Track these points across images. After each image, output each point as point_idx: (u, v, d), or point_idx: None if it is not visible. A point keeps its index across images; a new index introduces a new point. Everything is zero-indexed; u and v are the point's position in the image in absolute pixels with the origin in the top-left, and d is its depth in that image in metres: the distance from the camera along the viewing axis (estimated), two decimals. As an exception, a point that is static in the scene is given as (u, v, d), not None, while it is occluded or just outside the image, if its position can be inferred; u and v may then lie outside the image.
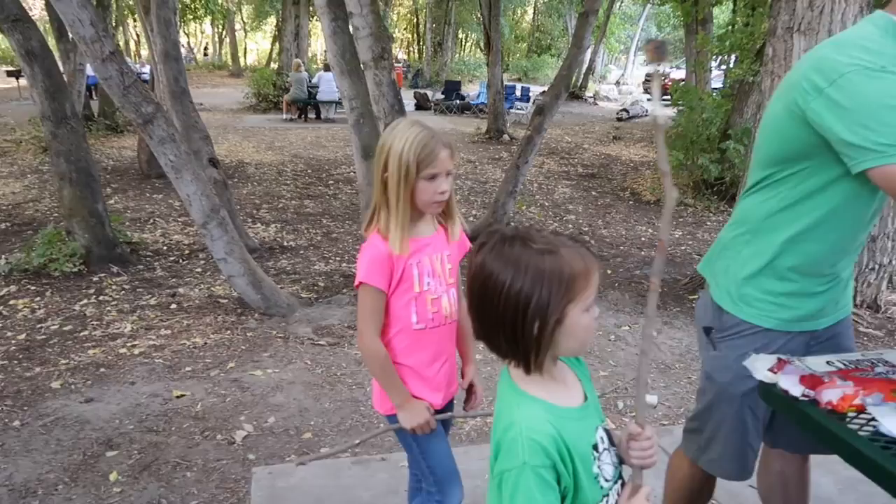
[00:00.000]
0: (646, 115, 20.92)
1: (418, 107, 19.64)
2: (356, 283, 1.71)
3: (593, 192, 9.90)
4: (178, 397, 3.42)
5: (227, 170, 10.42)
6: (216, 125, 14.92)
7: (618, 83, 35.63)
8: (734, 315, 1.68)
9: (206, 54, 41.85)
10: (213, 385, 3.55)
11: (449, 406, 1.90)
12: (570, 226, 7.81)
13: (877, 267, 4.82)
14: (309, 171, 10.60)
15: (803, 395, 1.48)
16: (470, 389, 1.96)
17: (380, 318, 1.72)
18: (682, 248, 7.05)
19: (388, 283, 1.69)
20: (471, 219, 7.57)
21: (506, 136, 14.41)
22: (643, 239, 7.35)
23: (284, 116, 16.61)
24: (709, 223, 8.31)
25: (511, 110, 17.50)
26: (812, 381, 1.50)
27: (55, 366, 3.77)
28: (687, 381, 3.80)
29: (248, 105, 18.82)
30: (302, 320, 4.42)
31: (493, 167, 11.41)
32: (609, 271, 5.89)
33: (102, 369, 3.73)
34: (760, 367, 1.61)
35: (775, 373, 1.56)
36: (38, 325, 4.33)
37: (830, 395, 1.43)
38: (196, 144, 5.97)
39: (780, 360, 1.60)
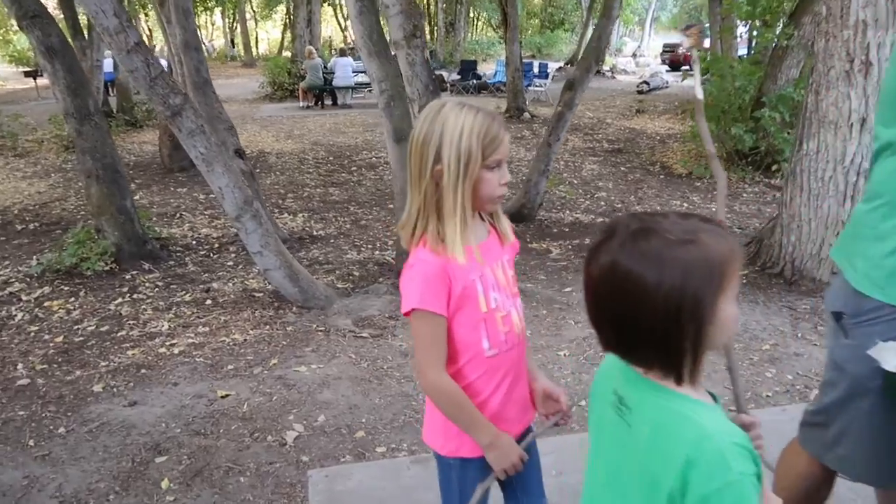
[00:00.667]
0: (667, 87, 20.49)
1: (435, 88, 19.36)
2: (406, 309, 1.43)
3: (622, 168, 9.67)
4: (222, 397, 3.32)
5: (249, 160, 10.30)
6: (233, 116, 14.56)
7: (634, 55, 34.99)
8: (874, 298, 1.51)
9: (213, 46, 41.72)
10: (258, 383, 3.44)
11: (527, 429, 1.68)
12: (603, 203, 7.61)
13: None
14: (331, 158, 10.46)
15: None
16: (548, 398, 1.69)
17: (443, 348, 1.47)
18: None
19: (447, 305, 1.44)
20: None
21: (526, 115, 14.16)
22: (679, 214, 7.12)
23: (301, 104, 16.46)
24: (745, 195, 8.07)
25: (529, 87, 17.20)
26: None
27: (95, 368, 3.68)
28: (749, 363, 3.62)
29: (263, 94, 18.71)
30: (341, 312, 4.30)
31: (517, 146, 11.18)
32: (650, 249, 5.69)
33: (143, 370, 3.64)
34: (890, 356, 1.45)
35: (912, 363, 1.39)
36: (75, 327, 4.25)
37: None
38: (221, 135, 5.84)
39: (915, 347, 1.43)
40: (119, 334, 4.12)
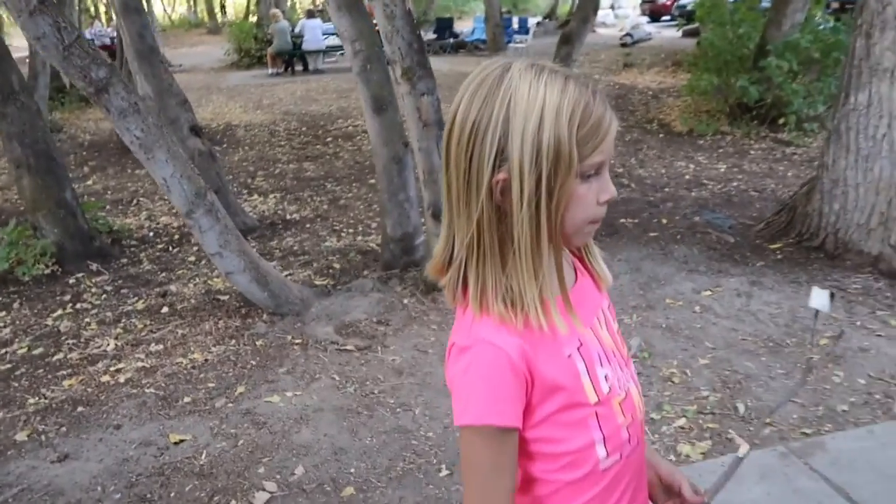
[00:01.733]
0: (650, 39, 19.71)
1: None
2: (462, 422, 0.88)
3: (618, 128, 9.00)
4: (175, 444, 2.68)
5: (215, 135, 9.54)
6: (198, 86, 13.89)
7: (612, 7, 33.94)
8: None
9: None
10: (220, 421, 2.80)
11: None
12: (603, 168, 6.96)
13: None
14: (303, 128, 9.68)
15: None
16: (669, 489, 1.12)
17: (512, 474, 0.90)
18: (734, 184, 6.22)
19: (525, 407, 0.89)
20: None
21: (510, 73, 13.36)
22: (687, 177, 6.52)
23: (270, 71, 15.50)
24: (752, 152, 7.46)
25: (510, 44, 16.36)
26: None
27: (22, 407, 3.02)
28: (808, 362, 3.04)
29: (229, 62, 17.68)
30: (321, 317, 3.65)
31: (503, 108, 10.45)
32: (664, 220, 5.08)
33: (80, 408, 2.98)
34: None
35: None
36: (3, 350, 3.57)
37: None
38: (173, 111, 5.09)
39: None
40: (55, 358, 3.45)
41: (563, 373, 0.91)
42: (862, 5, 3.82)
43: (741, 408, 2.72)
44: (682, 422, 2.65)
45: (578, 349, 0.94)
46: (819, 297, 3.08)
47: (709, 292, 3.82)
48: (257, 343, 3.42)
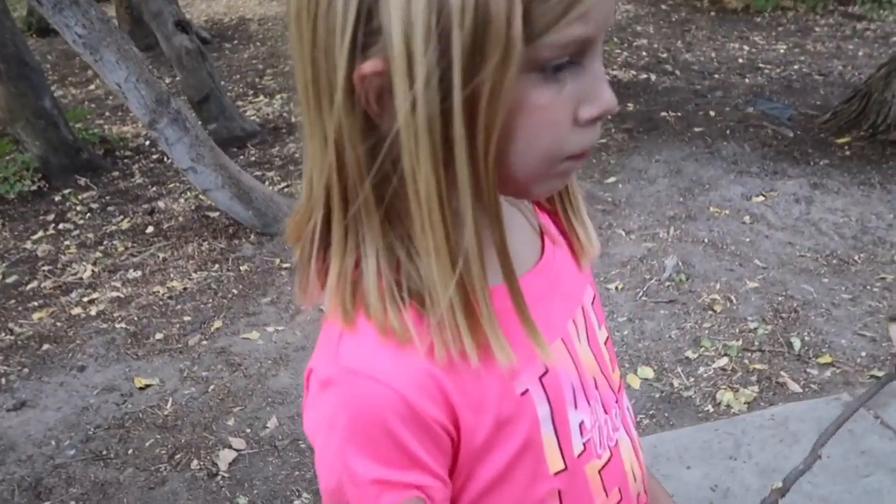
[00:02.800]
0: None
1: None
2: (321, 486, 0.50)
3: (662, 6, 8.07)
4: (141, 389, 2.38)
5: (227, 31, 8.96)
6: (212, -22, 13.10)
7: None
8: None
9: None
10: (192, 363, 2.49)
11: None
12: (645, 54, 6.22)
13: None
14: None
15: None
16: None
17: None
18: (795, 67, 5.46)
19: (440, 472, 0.49)
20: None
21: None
22: (741, 60, 5.76)
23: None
24: (817, 29, 6.58)
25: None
26: None
27: (-13, 344, 2.77)
28: (882, 286, 2.54)
29: (246, -50, 16.63)
30: (314, 236, 3.26)
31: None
32: (712, 113, 4.45)
33: (46, 345, 2.71)
34: None
35: None
36: (-23, 278, 3.31)
37: None
38: (155, 4, 4.57)
39: None
40: (29, 287, 3.17)
41: (513, 423, 0.51)
42: None
43: (796, 343, 2.26)
44: (723, 361, 2.22)
45: (541, 378, 0.52)
46: None
47: (761, 198, 3.28)
48: (241, 268, 3.06)
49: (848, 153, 3.63)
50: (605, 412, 0.59)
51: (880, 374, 2.11)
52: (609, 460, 0.58)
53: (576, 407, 0.55)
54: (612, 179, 3.63)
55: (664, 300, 2.56)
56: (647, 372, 2.20)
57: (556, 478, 0.53)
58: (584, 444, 0.56)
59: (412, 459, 0.47)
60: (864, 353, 2.20)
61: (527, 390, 0.51)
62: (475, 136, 0.42)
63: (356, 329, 0.48)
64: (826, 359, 2.19)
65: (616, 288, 2.66)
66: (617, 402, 0.62)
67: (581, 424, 0.56)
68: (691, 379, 2.16)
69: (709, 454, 1.86)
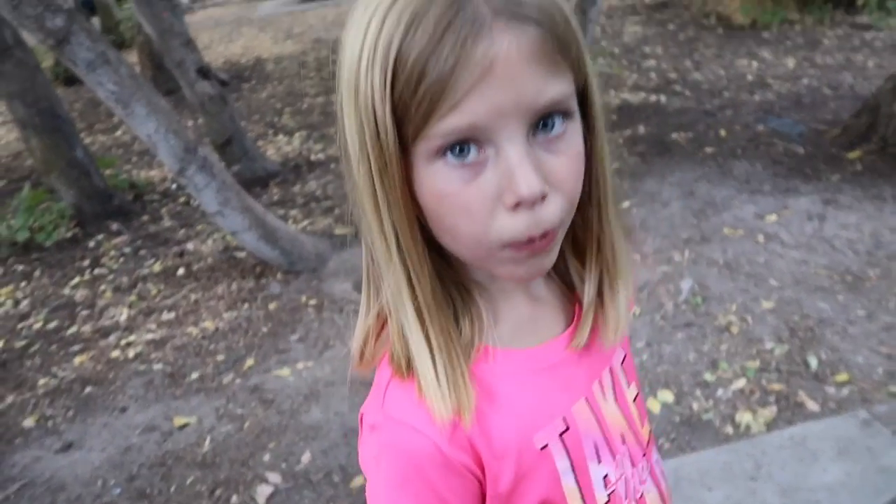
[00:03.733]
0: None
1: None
2: None
3: (670, 26, 8.17)
4: (180, 428, 2.49)
5: (244, 71, 9.22)
6: (230, 20, 13.52)
7: None
8: None
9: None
10: (227, 401, 2.60)
11: None
12: (654, 74, 6.30)
13: None
14: (334, 57, 8.93)
15: None
16: None
17: None
18: (804, 81, 5.51)
19: None
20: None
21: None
22: (749, 78, 5.82)
23: (302, -4, 14.87)
24: (826, 42, 6.63)
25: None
26: None
27: (32, 390, 2.89)
28: (895, 299, 2.58)
29: (260, -10, 17.08)
30: (338, 273, 3.37)
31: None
32: (723, 132, 4.51)
33: (89, 388, 2.83)
34: None
35: None
36: (20, 325, 3.45)
37: None
38: (178, 53, 4.76)
39: None
40: (69, 332, 3.31)
41: (533, 476, 0.58)
42: None
43: (813, 362, 2.31)
44: (741, 383, 2.27)
45: (561, 435, 0.59)
46: None
47: (774, 216, 3.33)
48: (270, 307, 3.17)
49: (859, 168, 3.67)
50: (633, 465, 0.66)
51: (897, 389, 2.15)
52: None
53: (599, 461, 0.62)
54: (625, 204, 3.70)
55: (681, 323, 2.62)
56: (667, 396, 2.26)
57: None
58: (608, 496, 0.62)
59: (443, 501, 0.55)
60: (881, 370, 2.24)
61: (546, 445, 0.58)
62: (397, 223, 0.52)
63: (403, 380, 0.56)
64: (843, 377, 2.23)
65: (634, 313, 2.73)
66: (645, 455, 0.68)
67: (605, 477, 0.62)
68: (710, 401, 2.22)
69: (730, 476, 1.91)
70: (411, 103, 0.47)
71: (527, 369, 0.60)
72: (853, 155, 3.80)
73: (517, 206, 0.49)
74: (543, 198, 0.50)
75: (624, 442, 0.65)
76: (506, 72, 0.46)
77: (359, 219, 0.56)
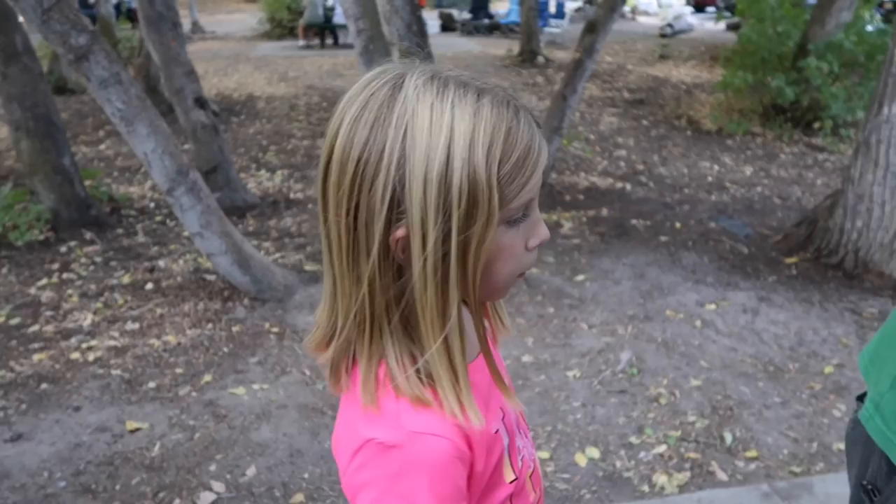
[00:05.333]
0: (691, 31, 19.12)
1: (444, 28, 18.17)
2: None
3: (644, 122, 8.70)
4: (131, 432, 2.58)
5: (235, 105, 9.47)
6: (227, 55, 13.86)
7: (657, -5, 33.03)
8: None
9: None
10: (181, 411, 2.70)
11: None
12: (623, 164, 6.72)
13: None
14: (324, 104, 9.54)
15: None
16: None
17: None
18: (758, 189, 5.95)
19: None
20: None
21: (540, 58, 13.05)
22: (709, 179, 6.25)
23: (301, 43, 15.37)
24: (782, 156, 7.15)
25: (545, 29, 15.98)
26: None
27: (-12, 380, 2.95)
28: (810, 393, 2.84)
29: (262, 32, 17.57)
30: (303, 305, 3.53)
31: (529, 93, 10.21)
32: (678, 224, 4.85)
33: (45, 385, 2.90)
34: None
35: None
36: (-18, 318, 3.51)
37: None
38: (179, 81, 4.98)
39: None
40: (31, 330, 3.38)
41: (492, 453, 0.74)
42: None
43: (728, 438, 2.53)
44: (662, 448, 2.47)
45: (503, 420, 0.78)
46: None
47: (713, 306, 3.61)
48: (233, 329, 3.31)
49: (794, 272, 4.00)
50: (527, 438, 0.86)
51: (798, 469, 2.37)
52: (533, 469, 0.85)
53: (519, 435, 0.82)
54: (581, 277, 3.96)
55: (616, 390, 2.83)
56: (594, 452, 2.44)
57: (510, 485, 0.78)
58: (521, 461, 0.81)
59: (461, 492, 0.70)
60: (786, 451, 2.47)
61: (497, 430, 0.77)
62: (468, 271, 0.66)
63: (400, 405, 0.68)
64: (752, 453, 2.45)
65: (574, 375, 2.93)
66: (529, 432, 0.89)
67: (521, 447, 0.82)
68: (632, 461, 2.41)
69: (640, 528, 2.09)
70: (517, 181, 0.65)
71: (479, 371, 0.79)
72: (790, 260, 4.14)
73: (537, 247, 0.71)
74: None
75: (522, 420, 0.86)
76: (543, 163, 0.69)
77: (381, 291, 0.67)
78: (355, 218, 0.64)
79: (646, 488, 2.28)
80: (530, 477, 0.83)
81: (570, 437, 2.53)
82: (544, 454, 2.44)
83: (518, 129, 0.65)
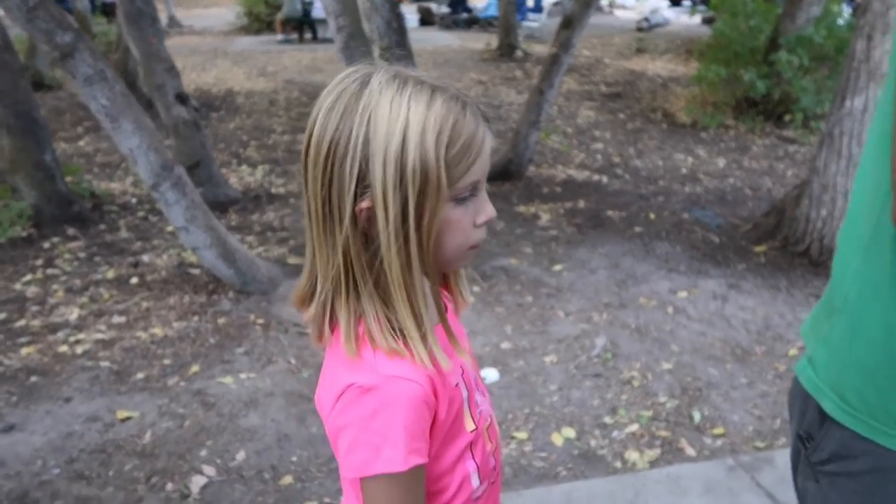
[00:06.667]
0: (667, 24, 19.35)
1: (423, 22, 18.20)
2: (375, 470, 0.79)
3: (620, 115, 8.85)
4: (122, 421, 2.65)
5: (214, 101, 9.47)
6: (205, 50, 13.80)
7: (634, -11, 33.27)
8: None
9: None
10: (170, 400, 2.77)
11: None
12: (599, 157, 6.85)
13: None
14: (304, 98, 9.56)
15: None
16: None
17: None
18: (730, 180, 6.12)
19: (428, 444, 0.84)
20: (486, 153, 6.60)
21: (518, 52, 13.16)
22: (683, 171, 6.41)
23: (280, 37, 15.32)
24: (754, 148, 7.33)
25: (523, 23, 16.09)
26: None
27: (-23, 374, 3.00)
28: (774, 374, 2.98)
29: (239, 26, 17.48)
30: (287, 297, 3.60)
31: (507, 88, 10.32)
32: (652, 215, 4.99)
33: (34, 377, 2.96)
34: None
35: None
36: (-32, 313, 3.54)
37: None
38: (160, 77, 5.01)
39: None
40: (18, 324, 3.42)
41: (453, 404, 0.86)
42: (865, 6, 3.68)
43: (697, 416, 2.66)
44: (634, 427, 2.60)
45: (462, 375, 0.90)
46: None
47: (685, 293, 3.75)
48: (219, 321, 3.38)
49: (763, 260, 4.15)
50: (483, 395, 0.97)
51: (762, 444, 2.51)
52: (490, 423, 0.95)
53: (477, 390, 0.94)
54: (558, 267, 4.08)
55: (591, 374, 2.95)
56: (570, 432, 2.56)
57: (470, 434, 0.89)
58: (479, 413, 0.93)
59: (425, 435, 0.80)
60: (750, 428, 2.61)
61: (458, 384, 0.88)
62: (422, 240, 0.78)
63: (377, 354, 0.79)
64: (719, 430, 2.58)
65: (551, 361, 3.05)
66: (486, 390, 1.00)
67: (479, 402, 0.93)
68: (606, 440, 2.53)
69: (613, 501, 2.21)
70: (461, 164, 0.77)
71: (440, 334, 0.89)
72: (759, 249, 4.29)
73: (484, 223, 0.83)
74: None
75: (480, 379, 0.96)
76: (489, 149, 0.81)
77: (356, 256, 0.79)
78: (329, 191, 0.77)
79: (619, 465, 2.40)
80: (487, 429, 0.94)
81: (548, 418, 2.65)
82: (522, 435, 2.55)
83: (464, 121, 0.78)
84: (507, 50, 13.13)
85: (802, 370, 1.04)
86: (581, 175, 6.16)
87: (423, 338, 0.80)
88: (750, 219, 4.87)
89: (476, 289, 3.73)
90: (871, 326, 0.93)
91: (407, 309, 0.79)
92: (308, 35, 15.54)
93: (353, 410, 0.78)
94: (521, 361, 3.03)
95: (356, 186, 0.75)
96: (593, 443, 2.52)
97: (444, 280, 0.94)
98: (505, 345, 3.16)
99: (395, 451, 0.77)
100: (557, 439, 2.52)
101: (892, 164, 0.82)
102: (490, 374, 2.86)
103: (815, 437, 1.02)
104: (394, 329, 0.80)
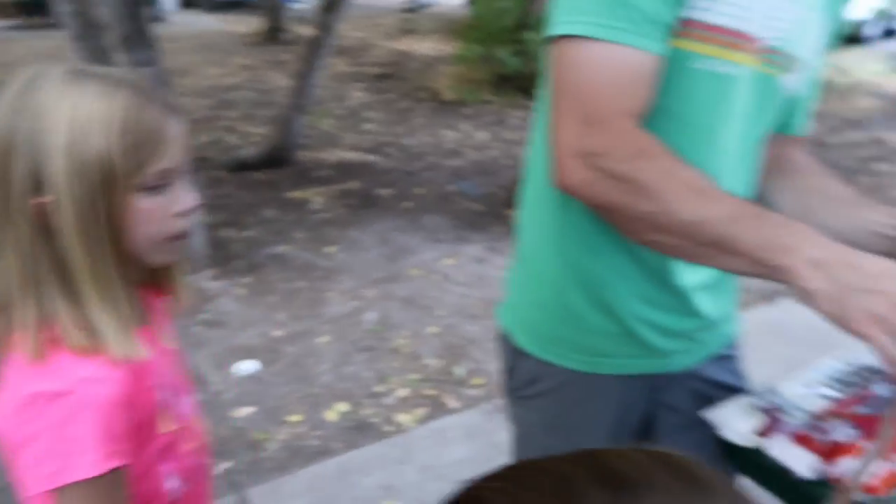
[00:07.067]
0: (434, 6, 20.09)
1: (186, 4, 17.08)
2: (70, 478, 0.76)
3: (390, 95, 9.10)
4: None
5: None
6: None
7: (401, -29, 33.94)
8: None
9: None
10: None
11: None
12: (370, 137, 7.01)
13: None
14: None
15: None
16: None
17: None
18: (490, 151, 6.61)
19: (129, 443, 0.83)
20: (257, 139, 6.46)
21: (287, 35, 12.90)
22: (449, 146, 6.78)
23: (8, 23, 13.48)
24: (512, 120, 7.95)
25: (290, 5, 15.76)
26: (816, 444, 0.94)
27: None
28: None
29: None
30: None
31: (276, 72, 10.10)
32: (421, 190, 5.24)
33: None
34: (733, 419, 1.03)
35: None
36: None
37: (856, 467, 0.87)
38: None
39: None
40: None
41: (150, 404, 0.86)
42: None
43: (459, 372, 2.90)
44: (404, 392, 2.76)
45: (162, 374, 0.90)
46: None
47: (450, 260, 4.01)
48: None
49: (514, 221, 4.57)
50: (185, 396, 0.98)
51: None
52: (189, 424, 0.97)
53: (175, 392, 0.93)
54: (331, 249, 4.15)
55: (363, 348, 3.08)
56: (344, 407, 2.66)
57: (168, 434, 0.89)
58: (179, 414, 0.93)
59: (120, 437, 0.79)
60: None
61: (155, 383, 0.87)
62: (109, 233, 0.78)
63: (64, 358, 0.78)
64: (479, 381, 2.84)
65: (324, 342, 3.12)
66: (189, 390, 1.01)
67: (179, 401, 0.94)
68: (377, 408, 2.67)
69: (384, 462, 2.35)
70: (143, 154, 0.77)
71: (143, 331, 0.90)
72: (513, 213, 4.71)
73: (183, 213, 0.83)
74: None
75: (177, 378, 0.97)
76: (182, 134, 0.82)
77: (36, 252, 0.78)
78: (3, 188, 0.76)
79: (391, 429, 2.55)
80: (185, 430, 0.95)
81: (321, 397, 2.72)
82: (297, 417, 2.60)
83: (146, 111, 0.79)
84: (272, 33, 12.81)
85: (500, 314, 1.22)
86: (352, 156, 6.26)
87: (118, 335, 0.80)
88: (508, 186, 5.31)
89: (245, 280, 3.68)
90: (543, 271, 1.12)
91: (99, 305, 0.79)
92: (44, 19, 13.83)
93: (41, 420, 0.76)
94: (294, 347, 3.06)
95: (32, 180, 0.75)
96: (365, 412, 2.64)
97: (154, 278, 0.93)
98: (277, 332, 3.17)
99: (90, 456, 0.76)
100: (331, 416, 2.61)
101: (549, 130, 0.98)
102: (247, 367, 2.85)
103: (514, 369, 1.20)
104: (87, 328, 0.79)
